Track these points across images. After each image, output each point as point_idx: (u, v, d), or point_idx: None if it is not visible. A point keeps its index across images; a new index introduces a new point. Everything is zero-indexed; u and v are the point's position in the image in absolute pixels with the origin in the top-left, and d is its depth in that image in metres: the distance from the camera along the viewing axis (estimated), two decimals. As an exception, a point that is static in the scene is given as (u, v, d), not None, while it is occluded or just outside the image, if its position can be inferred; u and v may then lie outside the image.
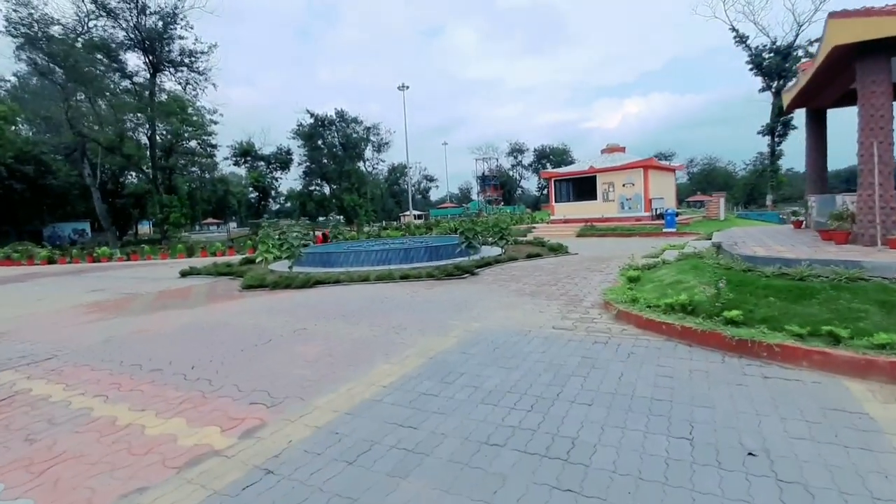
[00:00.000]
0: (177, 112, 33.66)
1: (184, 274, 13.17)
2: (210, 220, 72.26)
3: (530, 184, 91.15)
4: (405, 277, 10.02)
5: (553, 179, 26.52)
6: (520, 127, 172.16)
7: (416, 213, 66.25)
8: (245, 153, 61.86)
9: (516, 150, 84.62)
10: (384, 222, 64.87)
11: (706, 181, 76.70)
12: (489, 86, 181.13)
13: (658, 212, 23.08)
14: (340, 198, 60.15)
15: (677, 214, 19.86)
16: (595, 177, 24.22)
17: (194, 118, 44.08)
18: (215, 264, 14.22)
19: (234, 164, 62.93)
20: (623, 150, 26.26)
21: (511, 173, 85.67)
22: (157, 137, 43.38)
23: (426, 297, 7.87)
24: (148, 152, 30.74)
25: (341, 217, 64.15)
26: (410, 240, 18.78)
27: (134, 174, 43.82)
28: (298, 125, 58.68)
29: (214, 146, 49.95)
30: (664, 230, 19.16)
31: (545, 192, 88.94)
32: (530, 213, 57.97)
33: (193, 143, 47.65)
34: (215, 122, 45.88)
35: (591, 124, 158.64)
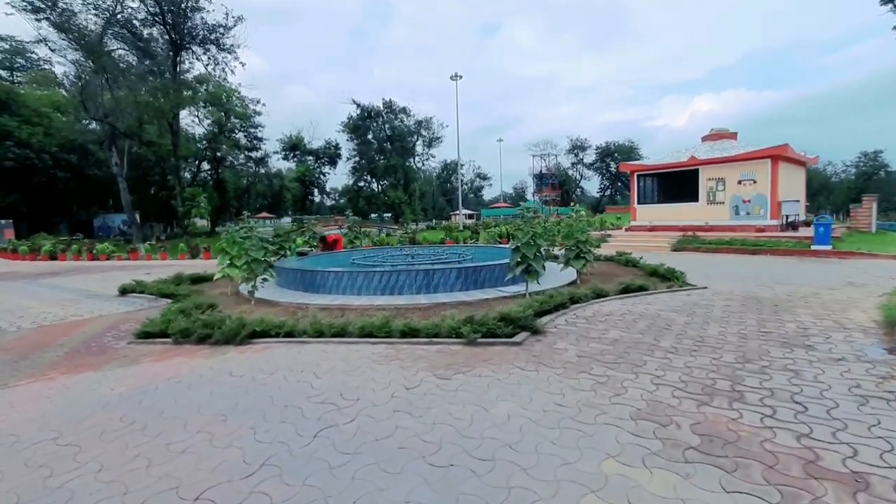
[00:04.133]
0: (210, 100, 31.47)
1: (123, 291, 9.51)
2: (264, 214, 72.57)
3: (591, 185, 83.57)
4: (410, 333, 5.50)
5: (636, 174, 20.79)
6: (578, 126, 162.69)
7: (467, 212, 61.73)
8: (294, 147, 60.57)
9: (577, 147, 77.04)
10: (434, 221, 60.88)
11: (799, 183, 65.79)
12: (546, 84, 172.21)
13: (789, 219, 16.89)
14: (387, 194, 57.12)
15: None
16: (697, 170, 18.31)
17: (238, 108, 42.43)
18: (177, 277, 10.50)
19: (284, 159, 61.84)
20: (734, 136, 19.94)
21: (570, 172, 78.45)
22: (202, 129, 42.13)
23: (426, 415, 3.30)
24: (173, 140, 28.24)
25: (389, 214, 61.05)
26: (445, 249, 14.30)
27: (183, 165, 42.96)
28: (348, 118, 56.29)
29: (260, 139, 48.44)
30: (814, 247, 13.21)
31: (608, 193, 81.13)
32: (593, 216, 51.33)
33: (240, 136, 46.36)
34: (259, 113, 44.14)
35: (656, 122, 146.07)
